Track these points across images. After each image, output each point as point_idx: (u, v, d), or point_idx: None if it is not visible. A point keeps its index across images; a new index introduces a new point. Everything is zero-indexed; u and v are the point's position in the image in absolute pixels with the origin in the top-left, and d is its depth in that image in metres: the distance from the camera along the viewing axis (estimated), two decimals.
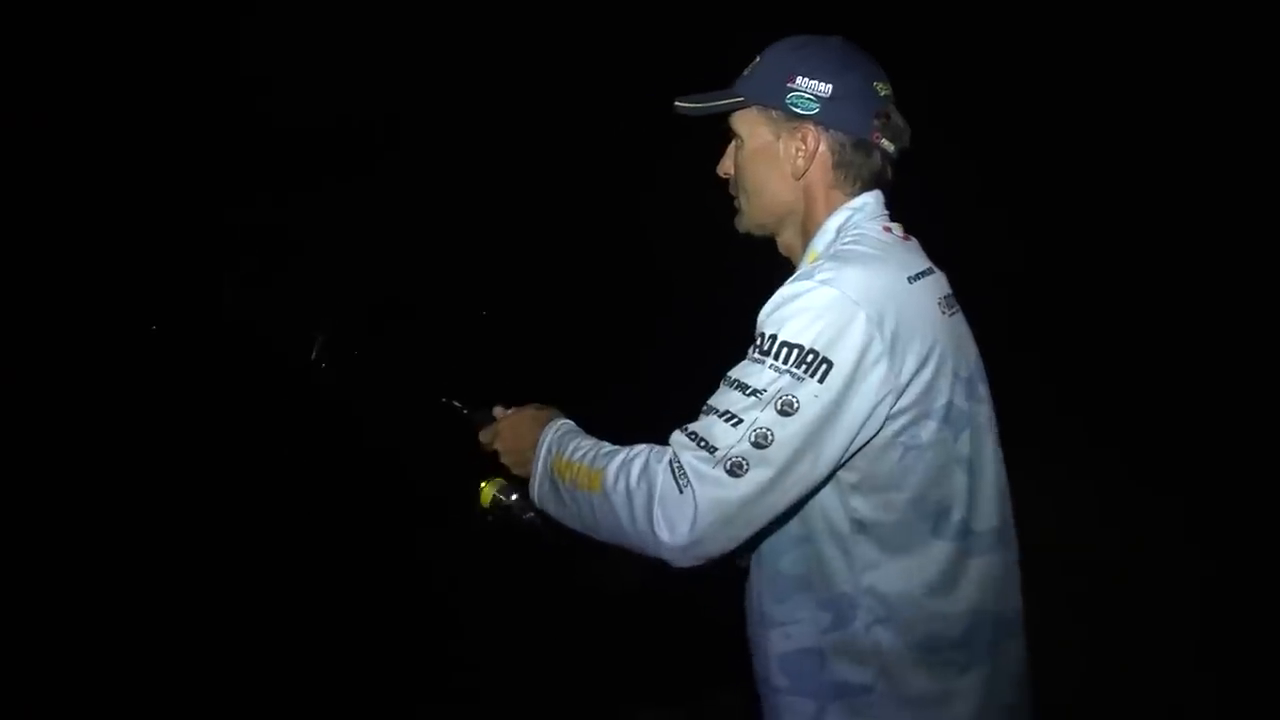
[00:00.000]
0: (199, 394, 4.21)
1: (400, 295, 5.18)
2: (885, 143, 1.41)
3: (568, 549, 1.52)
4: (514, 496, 1.59)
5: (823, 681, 1.34)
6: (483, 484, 1.61)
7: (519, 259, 5.25)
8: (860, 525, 1.31)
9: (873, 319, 1.24)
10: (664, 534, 1.23)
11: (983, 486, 1.38)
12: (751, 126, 1.44)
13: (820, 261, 1.33)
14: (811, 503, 1.31)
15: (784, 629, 1.37)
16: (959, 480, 1.34)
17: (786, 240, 1.48)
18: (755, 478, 1.22)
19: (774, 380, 1.23)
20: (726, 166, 1.50)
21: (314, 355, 1.68)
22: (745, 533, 1.25)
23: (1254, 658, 3.37)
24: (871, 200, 1.42)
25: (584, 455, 1.38)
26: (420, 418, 1.68)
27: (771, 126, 1.42)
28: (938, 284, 1.40)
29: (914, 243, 1.43)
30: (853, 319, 1.23)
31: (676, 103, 1.48)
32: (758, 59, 1.45)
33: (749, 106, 1.43)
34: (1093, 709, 3.13)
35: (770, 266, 1.46)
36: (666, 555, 1.25)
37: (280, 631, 3.50)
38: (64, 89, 4.15)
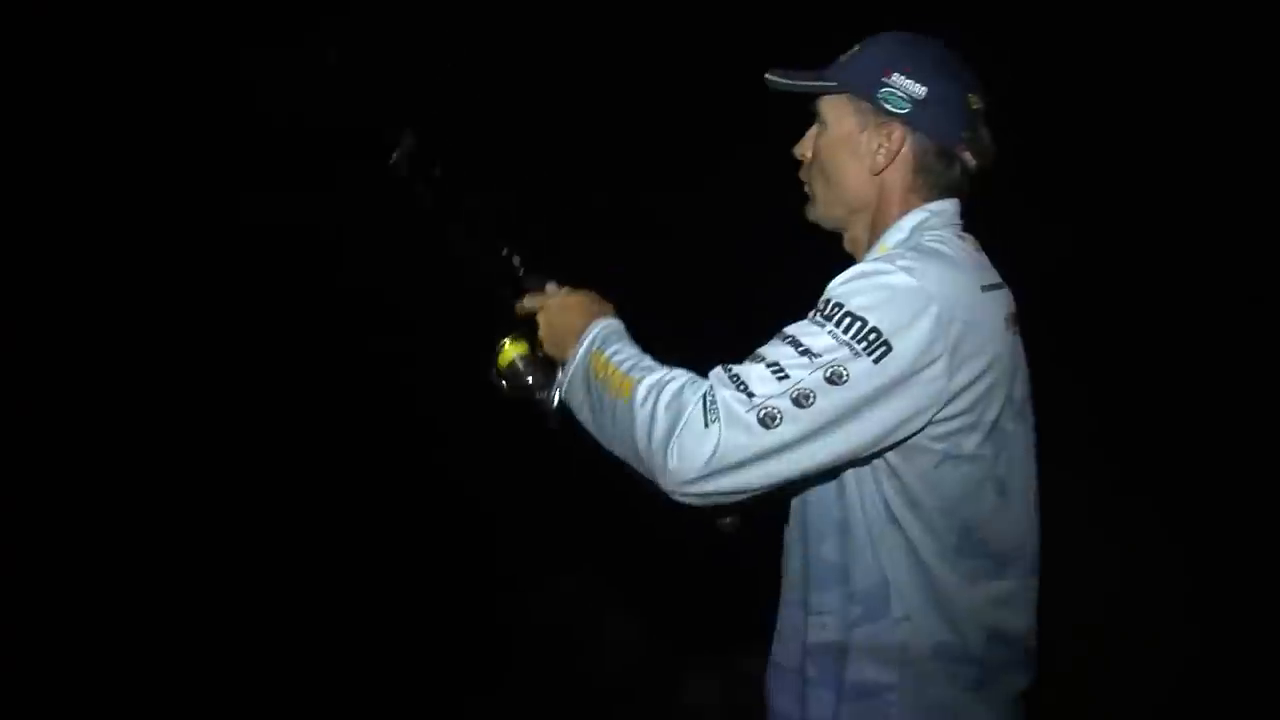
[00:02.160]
0: (209, 385, 4.11)
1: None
2: (968, 156, 1.41)
3: (567, 442, 1.48)
4: (535, 370, 1.53)
5: (843, 679, 1.35)
6: (507, 341, 1.55)
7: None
8: (892, 519, 1.32)
9: (943, 318, 1.23)
10: (673, 461, 1.21)
11: (1011, 512, 1.38)
12: (838, 114, 1.43)
13: (901, 250, 1.32)
14: (851, 490, 1.32)
15: (820, 618, 1.37)
16: (992, 500, 1.34)
17: (854, 235, 1.47)
18: (783, 434, 1.20)
19: (831, 347, 1.22)
20: (805, 148, 1.48)
21: (394, 159, 1.57)
22: (750, 486, 1.24)
23: (1254, 667, 3.38)
24: (950, 207, 1.42)
25: (623, 360, 1.36)
26: (475, 259, 1.60)
27: (859, 118, 1.41)
28: (1006, 300, 1.39)
29: (985, 257, 1.43)
30: (924, 312, 1.22)
31: (767, 75, 1.46)
32: (857, 47, 1.44)
33: (841, 93, 1.42)
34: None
35: (796, 268, 1.43)
36: (667, 484, 1.23)
37: (284, 618, 3.50)
38: (65, 88, 4.01)
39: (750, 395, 1.21)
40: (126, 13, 3.92)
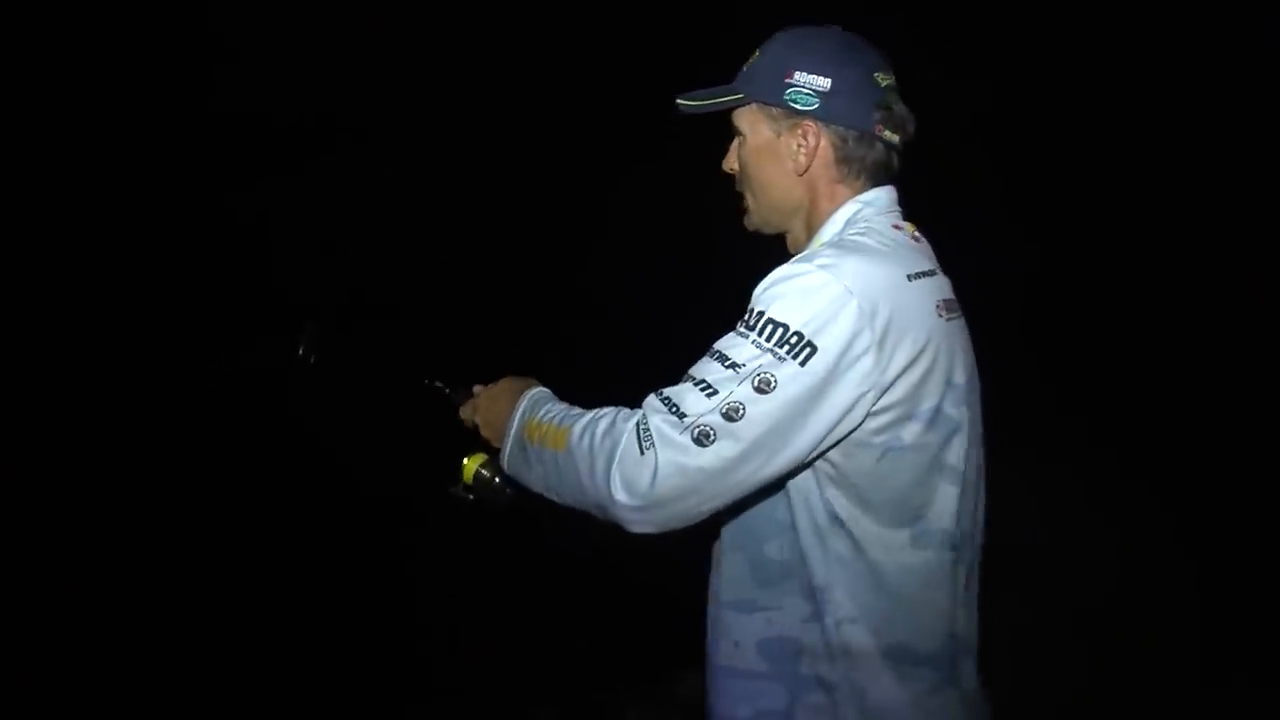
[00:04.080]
0: (179, 391, 4.13)
1: (380, 280, 5.11)
2: (888, 134, 1.39)
3: (544, 522, 1.55)
4: (499, 473, 1.58)
5: (799, 672, 1.32)
6: (466, 459, 1.62)
7: (490, 252, 5.21)
8: (837, 520, 1.29)
9: (865, 310, 1.21)
10: (620, 494, 1.21)
11: (966, 499, 1.36)
12: (752, 124, 1.43)
13: (822, 248, 1.32)
14: (795, 491, 1.30)
15: (767, 614, 1.34)
16: (943, 489, 1.33)
17: (794, 236, 1.46)
18: (720, 450, 1.19)
19: (755, 356, 1.21)
20: (731, 163, 1.48)
21: (301, 351, 1.69)
22: (704, 506, 1.23)
23: (1254, 667, 3.35)
24: (883, 195, 1.41)
25: (554, 416, 1.37)
26: (405, 401, 1.70)
27: (772, 124, 1.41)
28: (939, 286, 1.37)
29: (924, 244, 1.41)
30: (844, 307, 1.21)
31: (678, 100, 1.46)
32: (757, 53, 1.43)
33: (749, 104, 1.42)
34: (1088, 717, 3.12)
35: (747, 263, 1.45)
36: (620, 516, 1.23)
37: (260, 627, 3.47)
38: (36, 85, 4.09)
39: (682, 416, 1.20)
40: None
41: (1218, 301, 5.47)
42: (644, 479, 1.19)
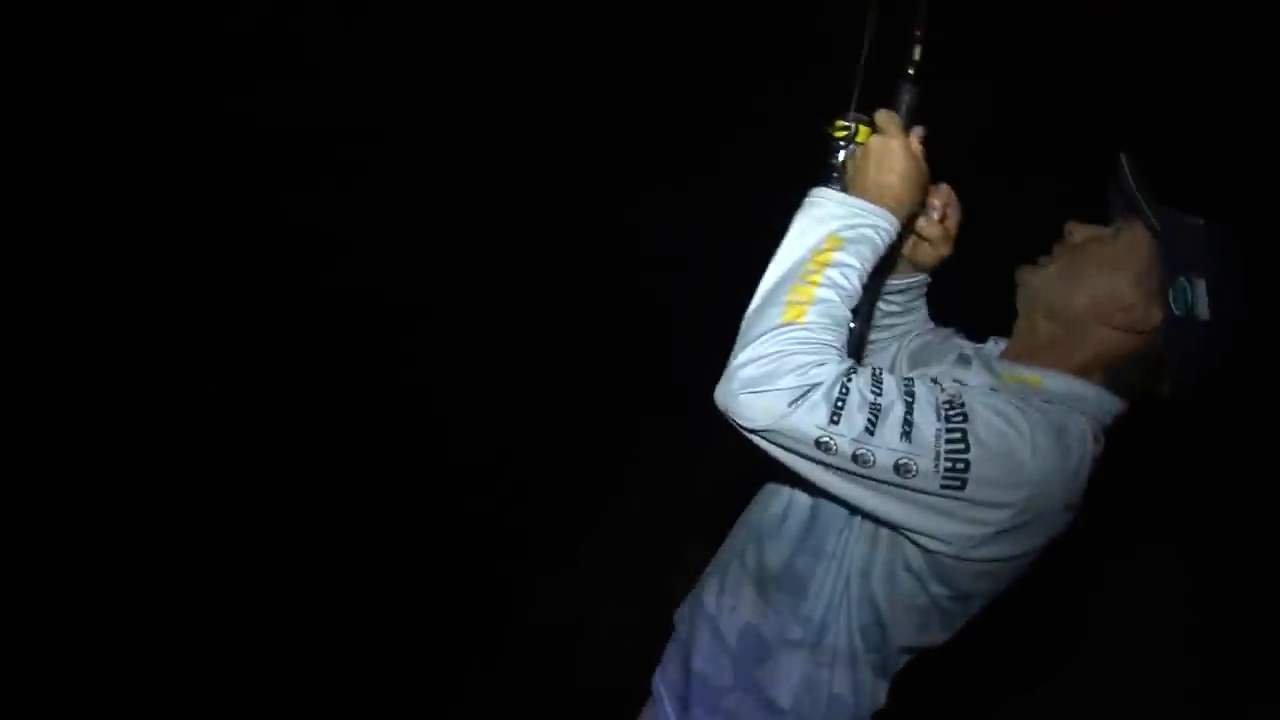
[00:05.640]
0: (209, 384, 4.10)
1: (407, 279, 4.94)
2: (1165, 389, 1.35)
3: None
4: (848, 157, 1.35)
5: (752, 674, 1.45)
6: (863, 123, 1.35)
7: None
8: (868, 585, 1.39)
9: (1022, 510, 1.21)
10: (740, 398, 1.15)
11: (958, 625, 1.44)
12: (1134, 246, 1.34)
13: (1048, 417, 1.25)
14: (857, 533, 1.37)
15: (763, 609, 1.46)
16: (930, 630, 1.42)
17: (1036, 335, 1.39)
18: (827, 459, 1.16)
19: (924, 444, 1.16)
20: (1081, 234, 1.39)
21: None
22: (774, 453, 1.19)
23: (1254, 674, 3.40)
24: (1117, 408, 1.35)
25: (828, 287, 1.21)
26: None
27: (1143, 268, 1.32)
28: (1077, 505, 1.33)
29: (1095, 466, 1.34)
30: (1013, 491, 1.20)
31: (1124, 156, 1.36)
32: (1200, 222, 1.33)
33: (1150, 233, 1.33)
34: None
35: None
36: (721, 399, 1.17)
37: (263, 626, 3.39)
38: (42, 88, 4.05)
39: (836, 419, 1.14)
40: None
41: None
42: (769, 414, 1.14)
